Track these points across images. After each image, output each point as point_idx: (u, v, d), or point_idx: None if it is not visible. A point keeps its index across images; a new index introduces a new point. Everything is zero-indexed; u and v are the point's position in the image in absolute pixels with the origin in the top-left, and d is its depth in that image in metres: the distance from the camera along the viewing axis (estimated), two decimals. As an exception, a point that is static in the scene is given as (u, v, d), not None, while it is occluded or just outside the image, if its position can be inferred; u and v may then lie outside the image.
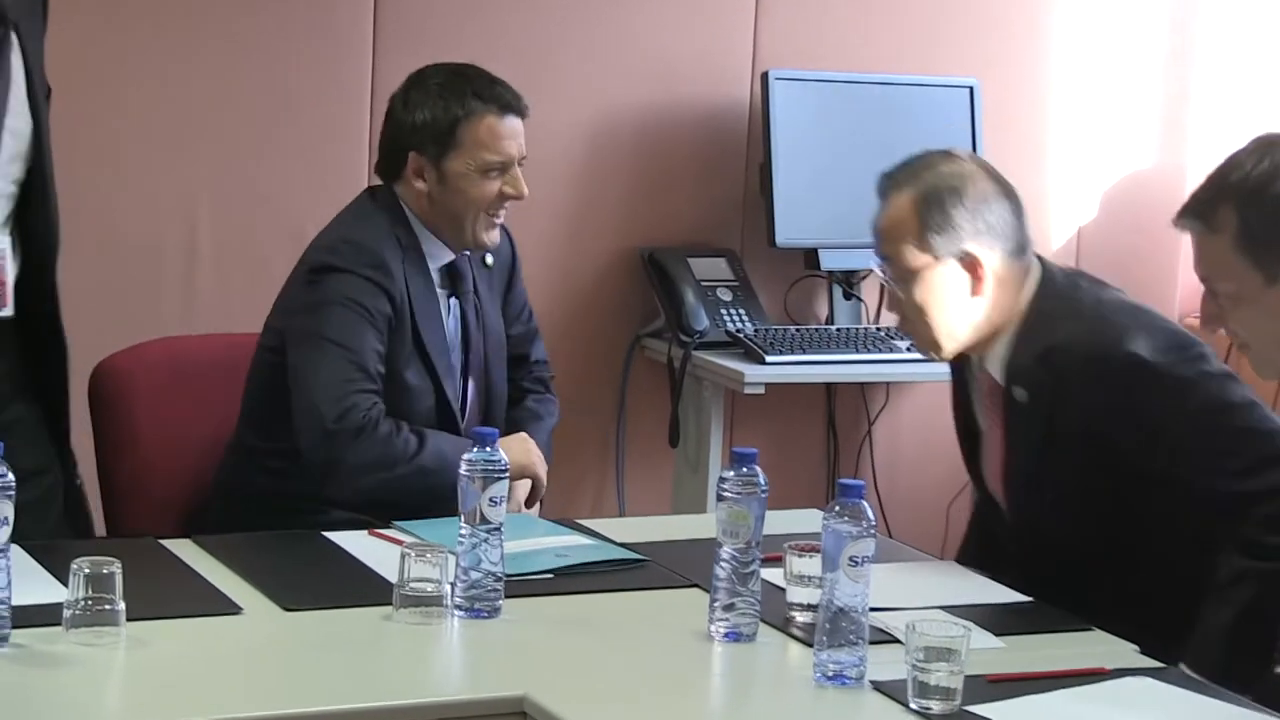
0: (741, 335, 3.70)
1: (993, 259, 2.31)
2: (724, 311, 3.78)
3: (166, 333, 2.99)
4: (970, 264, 2.30)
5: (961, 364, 2.45)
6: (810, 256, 3.87)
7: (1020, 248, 2.33)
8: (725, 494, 2.02)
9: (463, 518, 2.09)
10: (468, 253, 2.70)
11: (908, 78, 3.92)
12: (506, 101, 2.63)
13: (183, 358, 2.82)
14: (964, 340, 2.35)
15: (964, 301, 2.31)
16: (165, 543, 2.32)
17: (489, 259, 2.75)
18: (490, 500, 2.06)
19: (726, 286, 3.82)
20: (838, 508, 1.92)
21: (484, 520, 2.07)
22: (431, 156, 2.62)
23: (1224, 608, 2.11)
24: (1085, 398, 2.23)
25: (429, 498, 2.43)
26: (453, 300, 2.68)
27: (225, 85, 3.48)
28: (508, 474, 2.08)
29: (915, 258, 2.30)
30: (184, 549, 2.30)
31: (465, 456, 2.06)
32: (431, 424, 2.58)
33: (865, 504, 1.93)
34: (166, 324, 3.28)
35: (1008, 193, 2.33)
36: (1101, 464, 2.24)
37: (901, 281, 2.32)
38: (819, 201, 3.82)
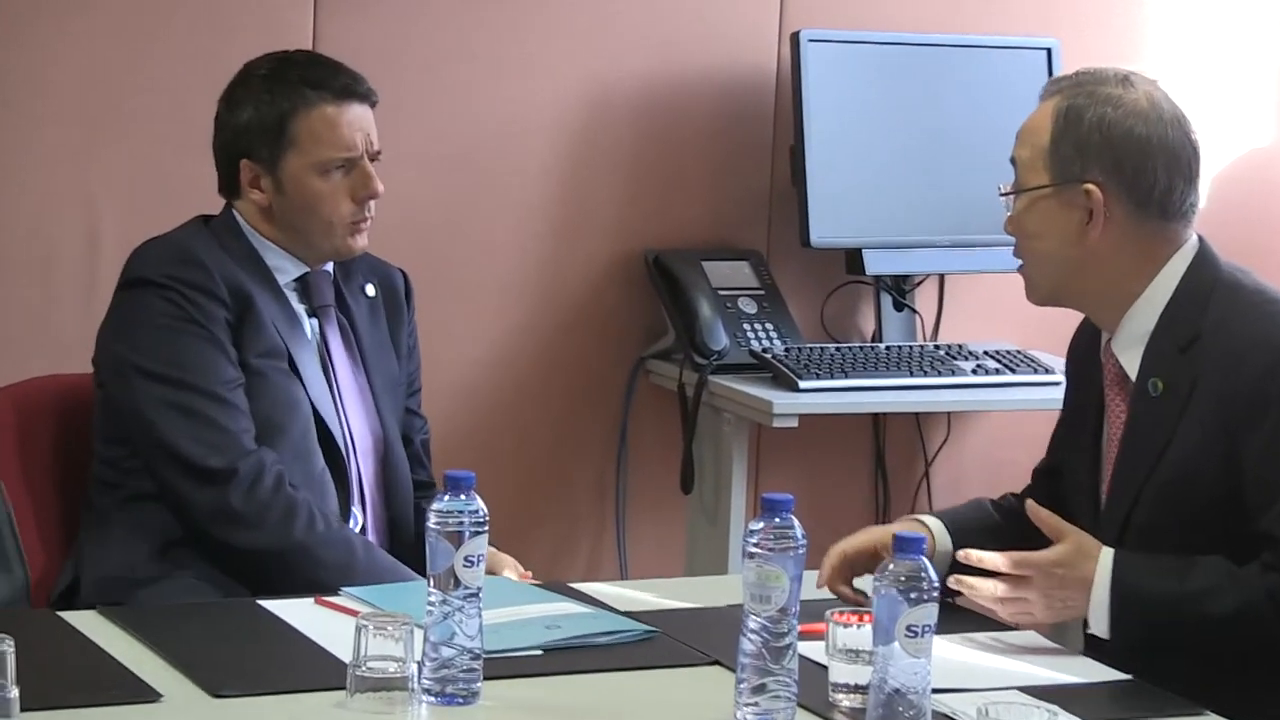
0: (769, 356, 3.71)
1: (1123, 207, 2.39)
2: (747, 327, 3.81)
3: (57, 368, 2.98)
4: (1089, 200, 2.39)
5: (1082, 350, 2.55)
6: (852, 259, 3.89)
7: (1169, 210, 2.41)
8: (753, 550, 2.02)
9: (431, 581, 2.08)
10: (328, 268, 2.78)
11: (971, 38, 3.97)
12: (344, 85, 2.70)
13: (70, 400, 2.82)
14: (1060, 288, 2.46)
15: (1071, 241, 2.41)
16: (66, 615, 2.35)
17: (368, 288, 2.83)
18: (466, 560, 2.06)
19: (750, 296, 3.85)
20: (891, 566, 1.94)
21: (458, 584, 2.07)
22: (264, 160, 2.70)
23: None
24: (1236, 392, 2.33)
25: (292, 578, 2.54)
26: (313, 320, 2.75)
27: (132, 61, 3.52)
28: (486, 527, 2.09)
29: (1032, 172, 2.43)
30: (89, 622, 2.31)
31: (434, 506, 2.08)
32: (308, 459, 2.65)
33: (926, 561, 1.94)
34: (56, 356, 3.24)
35: (1176, 149, 2.41)
36: (1229, 475, 2.34)
37: (1014, 194, 2.45)
38: (862, 192, 3.86)
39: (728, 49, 3.89)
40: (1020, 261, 2.51)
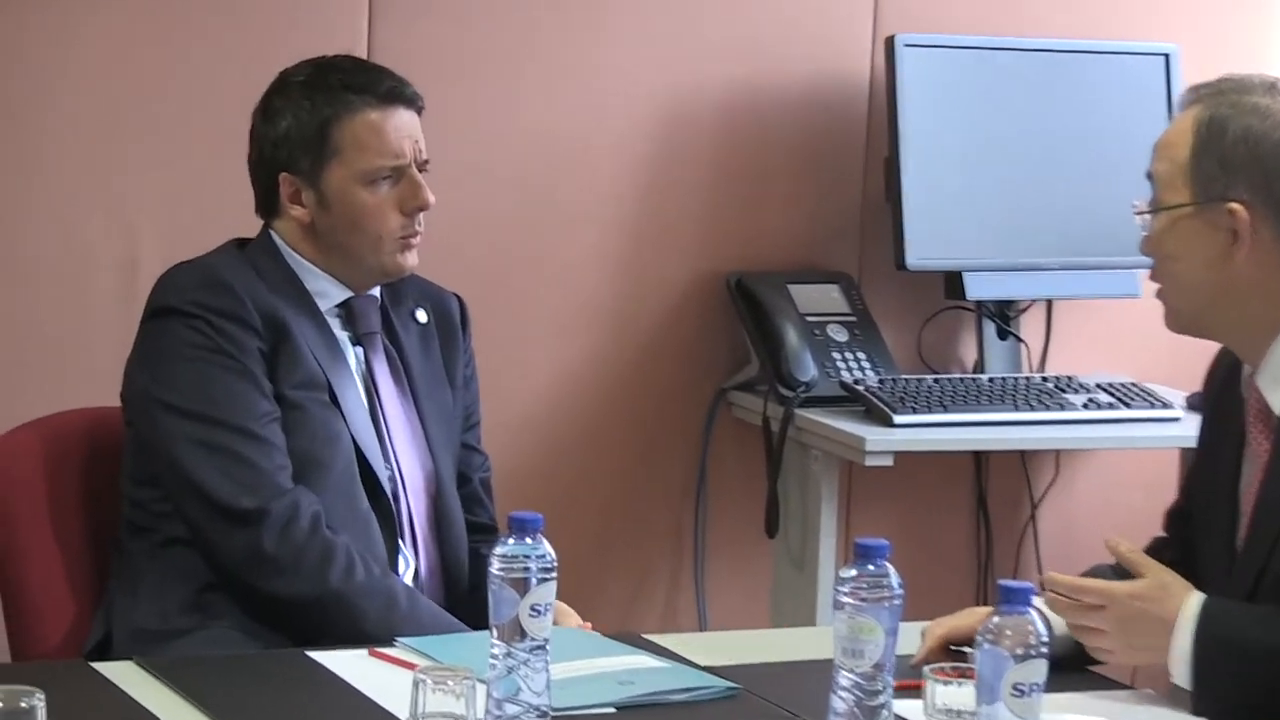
0: (861, 388, 3.71)
1: (1271, 229, 2.36)
2: (837, 356, 3.81)
3: (90, 400, 2.96)
4: (1234, 220, 2.36)
5: (1219, 383, 2.52)
6: (952, 282, 3.90)
7: None
8: (845, 600, 2.01)
9: (494, 632, 2.07)
10: (374, 292, 2.77)
11: (1080, 43, 3.96)
12: (389, 89, 2.70)
13: (103, 435, 2.81)
14: (1202, 315, 2.42)
15: (1213, 265, 2.38)
16: (100, 667, 2.35)
17: (420, 314, 2.82)
18: (532, 609, 2.05)
19: (840, 323, 3.86)
20: (997, 619, 1.92)
21: (524, 635, 2.06)
22: (304, 173, 2.70)
23: None
24: None
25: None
26: (358, 348, 2.75)
27: (171, 70, 3.52)
28: (554, 573, 2.08)
29: (1170, 190, 2.39)
30: (125, 674, 2.31)
31: (497, 550, 2.07)
32: (351, 497, 2.65)
33: (1034, 613, 1.92)
34: (90, 387, 3.20)
35: None
36: None
37: (1151, 213, 2.41)
38: (962, 209, 3.87)
39: (817, 54, 3.90)
40: (1158, 286, 2.47)
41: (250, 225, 2.82)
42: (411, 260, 2.74)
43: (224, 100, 3.47)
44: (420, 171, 2.72)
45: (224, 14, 3.56)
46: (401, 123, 2.71)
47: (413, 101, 2.73)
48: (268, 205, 2.77)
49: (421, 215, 2.73)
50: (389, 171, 2.70)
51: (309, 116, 2.69)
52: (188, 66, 3.54)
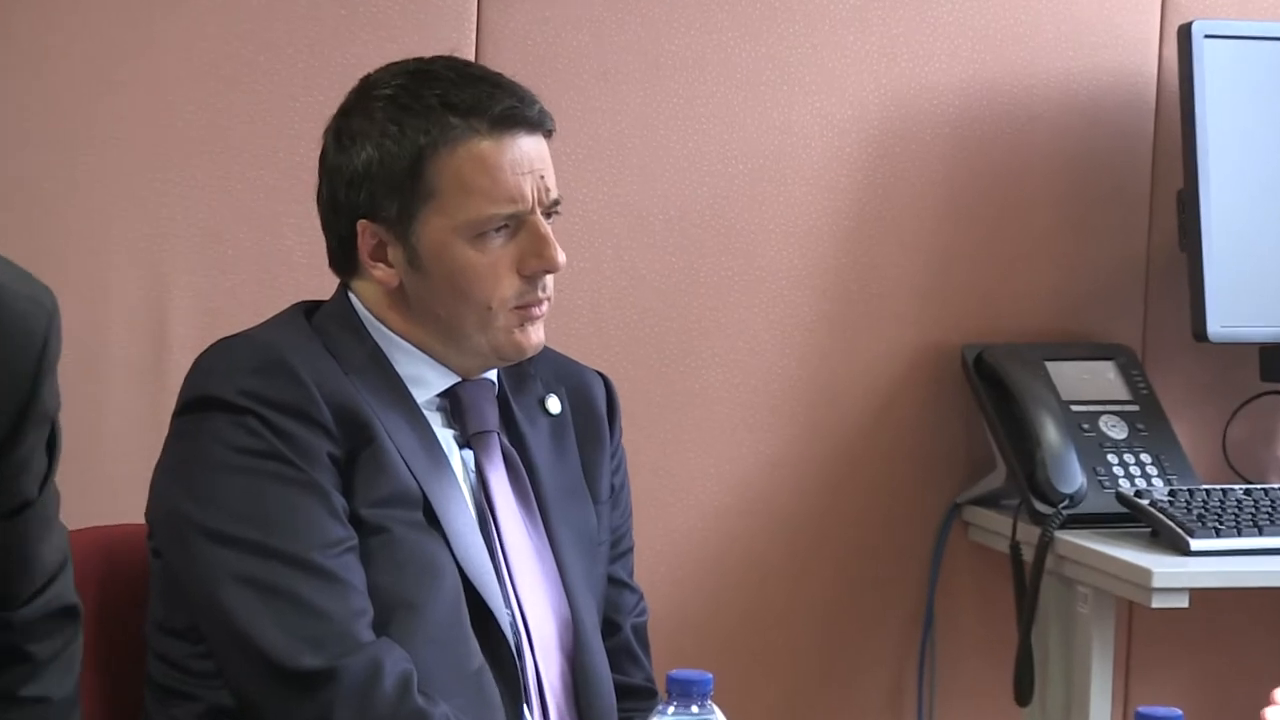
0: (1146, 502, 3.64)
1: None
2: (1112, 458, 3.76)
3: (106, 516, 2.95)
4: None
5: None
6: (1270, 359, 3.88)
7: None
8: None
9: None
10: (490, 375, 2.78)
11: None
12: (506, 110, 2.69)
13: (122, 562, 2.81)
14: None
15: None
16: None
17: (551, 402, 2.82)
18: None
19: (1116, 413, 3.81)
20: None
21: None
22: (390, 221, 2.69)
23: None
24: None
25: None
26: (467, 452, 2.74)
27: (221, 76, 3.52)
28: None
29: None
30: None
31: (657, 715, 2.10)
32: (457, 652, 2.63)
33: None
34: (106, 500, 3.21)
35: None
36: None
37: None
38: (1284, 259, 3.84)
39: (1082, 51, 3.90)
40: None
41: (325, 282, 2.82)
42: (534, 338, 2.71)
43: (292, 111, 3.49)
44: (547, 217, 2.71)
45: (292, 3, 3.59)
46: (522, 155, 2.68)
47: (539, 124, 2.71)
48: (343, 259, 2.76)
49: (549, 279, 2.70)
50: (503, 221, 2.67)
51: (397, 147, 2.66)
52: (246, 69, 3.55)
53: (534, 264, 2.67)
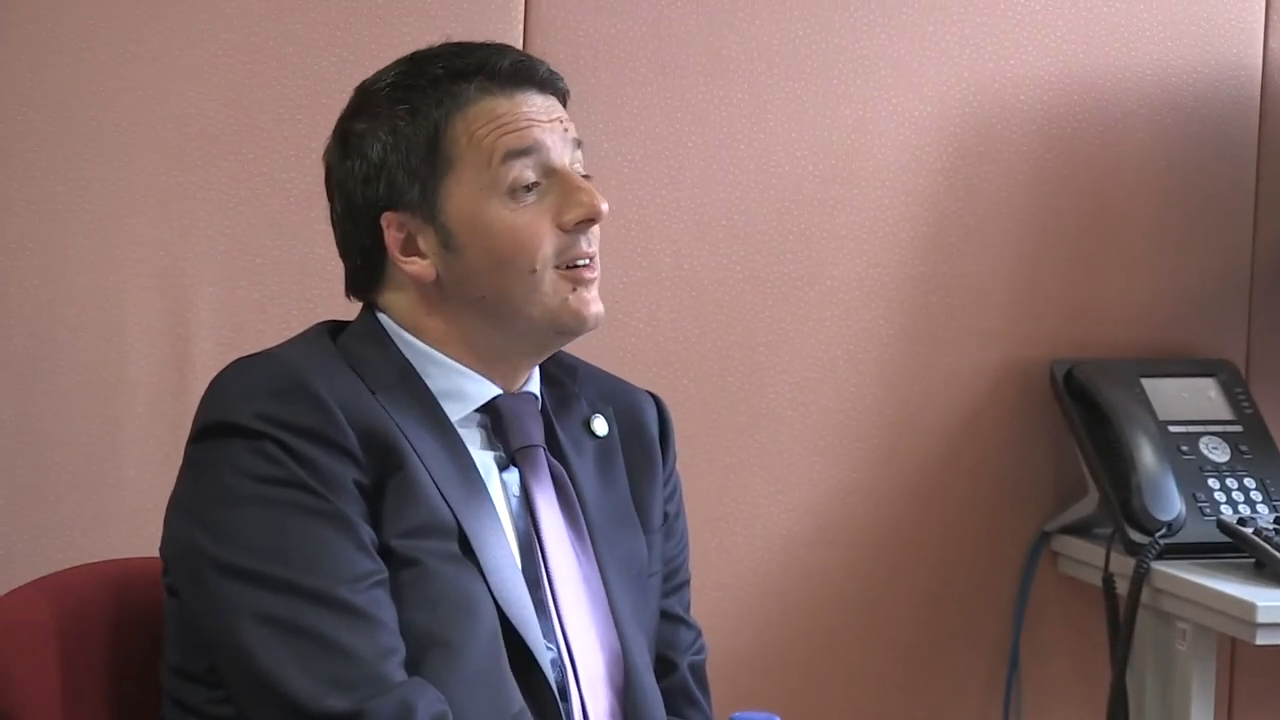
0: (1250, 530, 3.57)
1: None
2: (1214, 483, 3.72)
3: (120, 549, 2.94)
4: None
5: None
6: None
7: None
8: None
9: None
10: (532, 386, 2.74)
11: None
12: (513, 66, 2.68)
13: (136, 598, 2.78)
14: None
15: None
16: None
17: (597, 423, 2.77)
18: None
19: (1219, 434, 3.78)
20: None
21: None
22: (417, 204, 2.66)
23: None
24: None
25: None
26: (508, 474, 2.70)
27: (251, 72, 3.50)
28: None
29: None
30: None
31: None
32: (496, 692, 2.59)
33: None
34: (121, 531, 3.24)
35: None
36: None
37: None
38: None
39: (1181, 42, 3.86)
40: None
41: (332, 294, 2.80)
42: (594, 306, 2.66)
43: (325, 108, 3.34)
44: (575, 162, 2.69)
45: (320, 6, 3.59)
46: (539, 106, 2.67)
47: (549, 82, 2.68)
48: (369, 272, 2.71)
49: (595, 232, 2.65)
50: (532, 174, 2.63)
51: (411, 127, 2.64)
52: (274, 63, 3.52)
53: (574, 212, 2.62)
